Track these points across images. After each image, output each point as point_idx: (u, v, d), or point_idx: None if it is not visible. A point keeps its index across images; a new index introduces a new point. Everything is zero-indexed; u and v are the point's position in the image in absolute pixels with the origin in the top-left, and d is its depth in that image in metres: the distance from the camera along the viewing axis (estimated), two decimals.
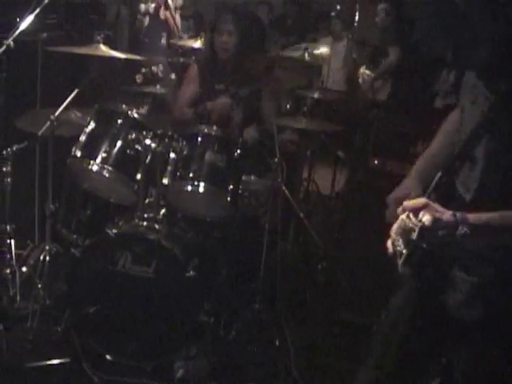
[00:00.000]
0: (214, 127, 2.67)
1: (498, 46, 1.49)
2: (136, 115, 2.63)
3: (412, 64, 5.50)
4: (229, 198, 2.59)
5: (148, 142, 2.50)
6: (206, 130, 2.64)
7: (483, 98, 1.52)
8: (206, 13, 6.78)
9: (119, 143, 2.57)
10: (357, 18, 5.00)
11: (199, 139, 2.62)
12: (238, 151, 2.66)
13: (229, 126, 3.14)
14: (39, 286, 2.72)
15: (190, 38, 5.78)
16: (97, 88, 3.26)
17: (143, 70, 4.18)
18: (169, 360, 2.50)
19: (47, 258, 2.70)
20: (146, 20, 6.29)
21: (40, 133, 2.61)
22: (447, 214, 1.42)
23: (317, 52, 4.10)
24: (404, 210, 1.50)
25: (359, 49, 5.81)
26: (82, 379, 2.43)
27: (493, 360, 1.57)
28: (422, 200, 1.48)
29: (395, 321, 1.79)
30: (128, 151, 2.55)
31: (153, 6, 6.16)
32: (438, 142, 1.78)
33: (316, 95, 4.00)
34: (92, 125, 2.61)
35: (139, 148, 2.52)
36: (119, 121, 2.61)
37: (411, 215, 1.45)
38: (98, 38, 2.80)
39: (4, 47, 2.45)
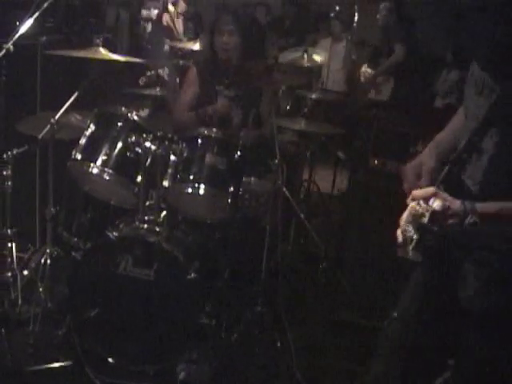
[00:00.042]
0: (214, 129, 2.67)
1: (503, 38, 1.49)
2: (136, 118, 2.63)
3: (412, 63, 5.51)
4: (229, 200, 2.59)
5: (148, 144, 2.50)
6: (205, 133, 2.64)
7: (489, 90, 1.53)
8: (205, 14, 6.79)
9: (119, 146, 2.57)
10: (356, 18, 5.01)
11: (199, 141, 2.62)
12: (238, 153, 2.66)
13: (229, 127, 3.14)
14: (40, 289, 2.73)
15: (189, 40, 5.79)
16: (97, 91, 3.26)
17: (148, 73, 4.19)
18: (171, 363, 2.50)
19: (48, 261, 2.70)
20: (149, 26, 6.32)
21: (40, 136, 2.60)
22: (456, 203, 1.44)
23: (316, 57, 4.09)
24: (414, 199, 1.51)
25: (359, 49, 5.82)
26: (83, 383, 2.43)
27: (503, 350, 1.57)
28: (430, 189, 1.49)
29: (404, 319, 1.79)
30: (128, 154, 2.55)
31: (155, 12, 6.18)
32: (449, 128, 1.79)
33: (316, 96, 4.01)
34: (92, 128, 2.61)
35: (139, 150, 2.52)
36: (119, 123, 2.61)
37: (421, 202, 1.47)
38: (98, 41, 2.80)
39: (3, 51, 2.45)
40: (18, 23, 2.58)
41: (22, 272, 2.91)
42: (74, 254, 2.71)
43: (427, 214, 1.43)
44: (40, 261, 2.76)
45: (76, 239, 2.80)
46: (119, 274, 2.44)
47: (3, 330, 2.57)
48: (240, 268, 2.91)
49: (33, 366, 2.48)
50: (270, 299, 2.84)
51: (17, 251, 2.87)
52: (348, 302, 3.21)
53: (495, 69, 1.52)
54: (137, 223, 2.54)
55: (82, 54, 2.74)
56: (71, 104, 2.66)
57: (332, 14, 5.59)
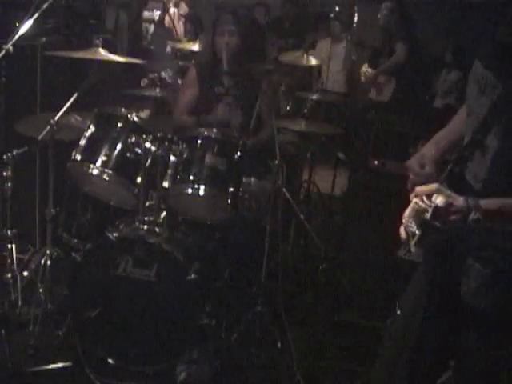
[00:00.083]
0: (214, 130, 2.67)
1: (504, 36, 1.50)
2: (136, 119, 2.63)
3: (413, 64, 5.52)
4: (229, 201, 2.59)
5: (148, 145, 2.50)
6: (205, 133, 2.64)
7: (491, 87, 1.53)
8: (205, 15, 6.79)
9: (119, 147, 2.57)
10: (356, 19, 5.01)
11: (199, 142, 2.62)
12: (238, 153, 2.66)
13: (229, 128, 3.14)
14: (40, 290, 2.73)
15: (189, 40, 5.78)
16: (96, 92, 3.26)
17: (150, 75, 4.20)
18: (171, 363, 2.50)
19: (48, 262, 2.70)
20: (151, 27, 6.32)
21: (40, 137, 2.61)
22: (460, 200, 1.44)
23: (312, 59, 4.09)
24: (417, 196, 1.51)
25: (358, 50, 5.82)
26: (83, 383, 2.43)
27: (505, 350, 1.57)
28: (434, 185, 1.49)
29: (408, 318, 1.79)
30: (128, 154, 2.55)
31: (158, 13, 6.18)
32: (450, 126, 1.80)
33: (316, 97, 4.01)
34: (92, 128, 2.61)
35: (139, 151, 2.51)
36: (119, 124, 2.61)
37: (424, 198, 1.47)
38: (97, 41, 2.80)
39: (3, 52, 2.45)
40: (17, 24, 2.58)
41: (22, 273, 2.91)
42: (74, 254, 2.71)
43: (430, 210, 1.43)
44: (40, 262, 2.76)
45: (76, 240, 2.80)
46: (119, 275, 2.44)
47: (3, 331, 2.57)
48: (240, 268, 2.91)
49: (33, 366, 2.49)
50: (270, 299, 2.84)
51: (17, 252, 2.87)
52: (348, 302, 3.21)
53: (498, 67, 1.52)
54: (137, 224, 2.54)
55: (81, 54, 2.75)
56: (71, 105, 2.66)
57: (332, 15, 5.58)
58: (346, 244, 3.50)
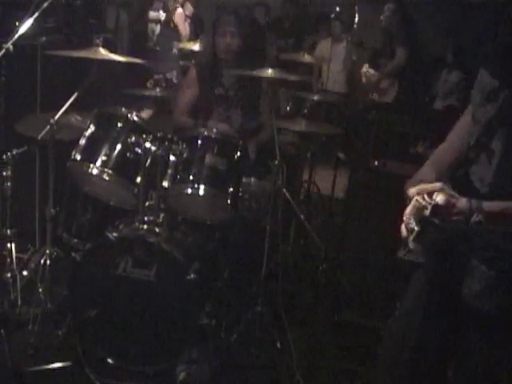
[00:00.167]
0: (214, 130, 2.67)
1: (504, 36, 1.50)
2: (136, 118, 2.63)
3: (414, 65, 5.53)
4: (229, 201, 2.59)
5: (148, 145, 2.50)
6: (205, 133, 2.64)
7: (496, 93, 1.53)
8: (205, 15, 6.79)
9: (119, 146, 2.57)
10: (356, 19, 5.01)
11: (199, 142, 2.61)
12: (238, 154, 2.65)
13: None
14: (40, 290, 2.72)
15: (190, 40, 5.79)
16: (96, 91, 3.26)
17: (156, 76, 4.20)
18: (171, 363, 2.50)
19: (48, 261, 2.69)
20: (157, 28, 6.32)
21: (40, 137, 2.60)
22: (462, 201, 1.44)
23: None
24: (419, 193, 1.51)
25: (359, 50, 5.82)
26: (83, 383, 2.43)
27: (505, 351, 1.57)
28: (437, 184, 1.49)
29: (408, 318, 1.79)
30: (128, 154, 2.55)
31: (164, 13, 6.18)
32: (451, 139, 1.78)
33: (316, 97, 4.01)
34: (92, 128, 2.61)
35: (139, 151, 2.51)
36: (119, 124, 2.61)
37: (425, 195, 1.47)
38: (98, 41, 2.80)
39: (3, 51, 2.45)
40: (17, 23, 2.58)
41: (21, 273, 2.90)
42: (73, 254, 2.71)
43: (429, 207, 1.43)
44: (40, 261, 2.76)
45: (76, 240, 2.80)
46: (119, 275, 2.44)
47: (3, 331, 2.57)
48: (240, 268, 2.91)
49: (32, 366, 2.48)
50: (269, 299, 2.84)
51: (16, 252, 2.87)
52: (348, 302, 3.21)
53: (502, 71, 1.52)
54: (136, 224, 2.54)
55: (81, 54, 2.74)
56: (71, 104, 2.65)
57: (332, 15, 5.58)
58: (346, 244, 3.50)
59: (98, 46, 2.79)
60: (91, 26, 4.43)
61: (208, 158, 2.57)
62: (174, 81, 4.50)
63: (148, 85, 4.11)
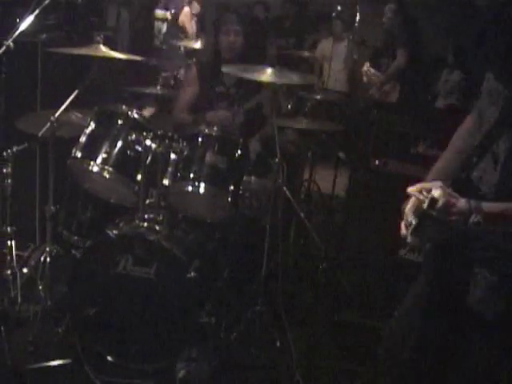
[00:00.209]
0: (215, 128, 2.67)
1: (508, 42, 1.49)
2: (136, 116, 2.63)
3: (415, 65, 5.52)
4: (229, 199, 2.59)
5: (148, 142, 2.50)
6: (206, 131, 2.64)
7: (502, 97, 1.53)
8: (207, 14, 6.79)
9: (119, 144, 2.57)
10: (357, 18, 5.01)
11: (200, 140, 2.61)
12: (239, 152, 2.65)
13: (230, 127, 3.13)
14: (40, 287, 2.72)
15: (196, 38, 5.78)
16: (97, 89, 3.25)
17: (163, 74, 4.20)
18: (170, 362, 2.49)
19: (48, 259, 2.69)
20: (164, 26, 6.32)
21: (40, 134, 2.60)
22: (462, 201, 1.44)
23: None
24: (418, 191, 1.52)
25: (360, 49, 5.82)
26: (83, 381, 2.42)
27: (506, 353, 1.57)
28: (437, 183, 1.49)
29: (408, 318, 1.78)
30: (128, 152, 2.55)
31: (172, 12, 6.18)
32: (453, 147, 1.78)
33: (317, 96, 4.00)
34: (92, 126, 2.61)
35: (139, 149, 2.51)
36: (119, 122, 2.60)
37: (424, 191, 1.49)
38: (98, 38, 2.79)
39: (4, 48, 2.44)
40: (18, 20, 2.57)
41: (21, 270, 2.90)
42: (73, 252, 2.72)
43: (427, 201, 1.45)
44: (40, 259, 2.75)
45: (76, 237, 2.80)
46: (119, 273, 2.43)
47: (3, 328, 2.56)
48: (240, 267, 2.91)
49: (32, 364, 2.48)
50: (269, 299, 2.84)
51: (16, 249, 2.87)
52: (348, 301, 3.21)
53: (505, 75, 1.52)
54: (137, 222, 2.53)
55: (82, 51, 2.74)
56: (71, 102, 2.65)
57: (334, 14, 5.58)
58: (346, 244, 3.49)
59: (98, 43, 2.79)
60: (92, 24, 4.43)
61: (208, 156, 2.57)
62: (182, 79, 4.51)
63: (157, 83, 4.11)
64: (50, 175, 2.65)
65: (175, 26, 6.24)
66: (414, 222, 1.49)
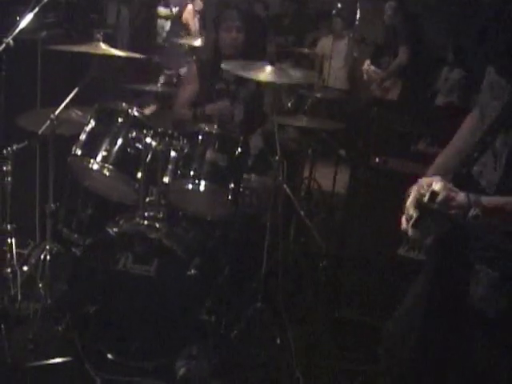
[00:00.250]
0: (215, 126, 2.66)
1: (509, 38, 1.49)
2: (136, 113, 2.62)
3: (414, 62, 5.52)
4: (230, 197, 2.59)
5: (148, 140, 2.50)
6: (206, 129, 2.64)
7: (503, 91, 1.52)
8: (208, 10, 6.77)
9: (120, 142, 2.57)
10: (358, 16, 5.00)
11: (200, 138, 2.61)
12: (239, 150, 2.65)
13: (231, 124, 3.12)
14: (40, 285, 2.72)
15: (199, 36, 5.76)
16: (97, 86, 3.25)
17: (167, 72, 4.19)
18: (170, 359, 2.49)
19: (48, 257, 2.69)
20: (167, 24, 6.31)
21: (40, 132, 2.60)
22: (461, 195, 1.44)
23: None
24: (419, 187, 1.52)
25: (361, 47, 5.82)
26: (83, 379, 2.42)
27: (506, 352, 1.57)
28: (437, 177, 1.49)
29: (408, 317, 1.78)
30: (128, 150, 2.55)
31: (176, 9, 6.17)
32: (454, 146, 1.78)
33: (317, 94, 4.00)
34: (92, 123, 2.61)
35: (140, 146, 2.51)
36: (119, 119, 2.60)
37: (425, 186, 1.49)
38: (98, 36, 2.79)
39: (3, 45, 2.44)
40: (18, 18, 2.57)
41: (21, 268, 2.90)
42: (73, 250, 2.71)
43: (427, 194, 1.45)
44: (40, 257, 2.75)
45: (76, 235, 2.80)
46: (119, 271, 2.43)
47: (3, 326, 2.56)
48: (240, 265, 2.91)
49: (32, 361, 2.48)
50: (269, 296, 2.83)
51: (16, 247, 2.86)
52: (348, 299, 3.21)
53: (509, 69, 1.51)
54: (137, 219, 2.53)
55: (82, 49, 2.73)
56: (71, 99, 2.65)
57: (334, 12, 5.58)
58: (346, 241, 3.49)
59: (98, 40, 2.78)
60: (92, 21, 4.43)
61: (209, 154, 2.57)
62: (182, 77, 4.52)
63: (160, 81, 4.11)
64: (50, 173, 2.65)
65: (179, 24, 6.23)
66: (414, 215, 1.49)
